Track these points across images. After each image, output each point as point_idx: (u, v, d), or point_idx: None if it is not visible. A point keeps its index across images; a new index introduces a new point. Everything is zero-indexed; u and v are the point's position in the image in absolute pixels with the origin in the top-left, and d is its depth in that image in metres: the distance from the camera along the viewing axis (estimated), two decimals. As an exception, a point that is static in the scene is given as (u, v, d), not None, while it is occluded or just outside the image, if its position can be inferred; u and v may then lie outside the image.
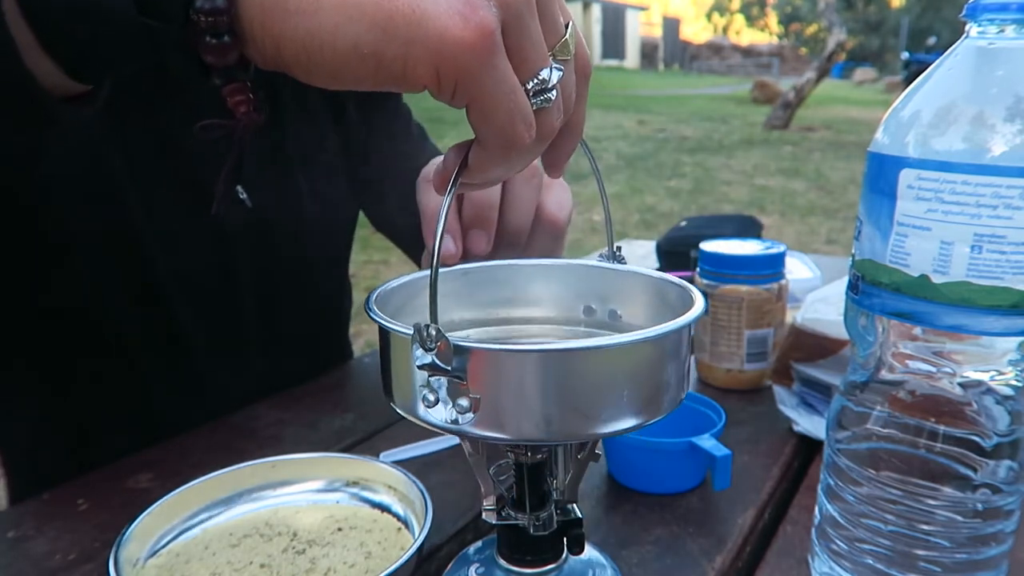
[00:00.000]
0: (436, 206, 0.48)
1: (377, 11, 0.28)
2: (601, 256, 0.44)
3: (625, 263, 0.43)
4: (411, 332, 0.30)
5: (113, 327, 0.66)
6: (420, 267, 0.59)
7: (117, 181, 0.62)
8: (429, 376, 0.31)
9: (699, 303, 0.35)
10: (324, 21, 0.29)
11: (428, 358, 0.29)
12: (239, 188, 0.68)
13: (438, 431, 0.33)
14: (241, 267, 0.70)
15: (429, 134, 0.87)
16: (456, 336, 0.30)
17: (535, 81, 0.31)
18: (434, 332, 0.29)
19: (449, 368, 0.29)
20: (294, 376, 0.76)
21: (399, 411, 0.35)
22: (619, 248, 0.43)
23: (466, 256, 0.47)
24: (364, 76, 0.30)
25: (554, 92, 0.32)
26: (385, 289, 0.39)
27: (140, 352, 0.68)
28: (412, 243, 0.85)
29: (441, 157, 0.46)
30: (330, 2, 0.29)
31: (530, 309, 0.42)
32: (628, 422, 0.32)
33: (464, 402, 0.30)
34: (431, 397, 0.31)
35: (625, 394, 0.32)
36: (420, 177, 0.53)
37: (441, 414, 0.31)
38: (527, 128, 0.31)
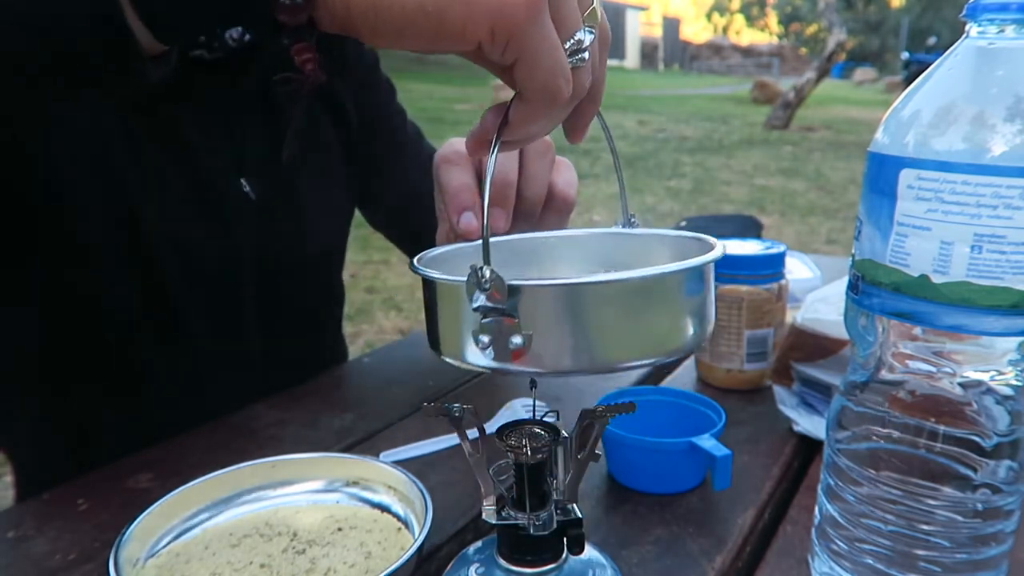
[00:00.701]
0: (458, 183, 0.50)
1: None
2: (619, 223, 0.45)
3: (638, 226, 0.45)
4: (463, 281, 0.32)
5: (118, 321, 0.66)
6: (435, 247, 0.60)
7: (123, 177, 0.62)
8: (483, 319, 0.32)
9: (719, 246, 0.37)
10: None
11: (483, 299, 0.31)
12: (243, 181, 0.69)
13: (488, 372, 0.35)
14: (245, 261, 0.70)
15: (428, 134, 0.87)
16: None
17: (572, 41, 0.35)
18: (488, 273, 0.31)
19: (504, 307, 0.31)
20: (292, 375, 0.76)
21: (449, 360, 0.36)
22: (633, 216, 0.45)
23: (492, 230, 0.48)
24: (426, 34, 0.33)
25: (587, 53, 0.35)
26: (425, 257, 0.42)
27: (143, 348, 0.68)
28: (410, 239, 0.87)
29: (454, 139, 0.51)
30: None
31: (547, 272, 0.44)
32: (661, 352, 0.34)
33: (517, 339, 0.32)
34: (485, 339, 0.32)
35: (662, 321, 0.34)
36: (438, 159, 0.53)
37: (493, 355, 0.32)
38: (566, 83, 0.34)
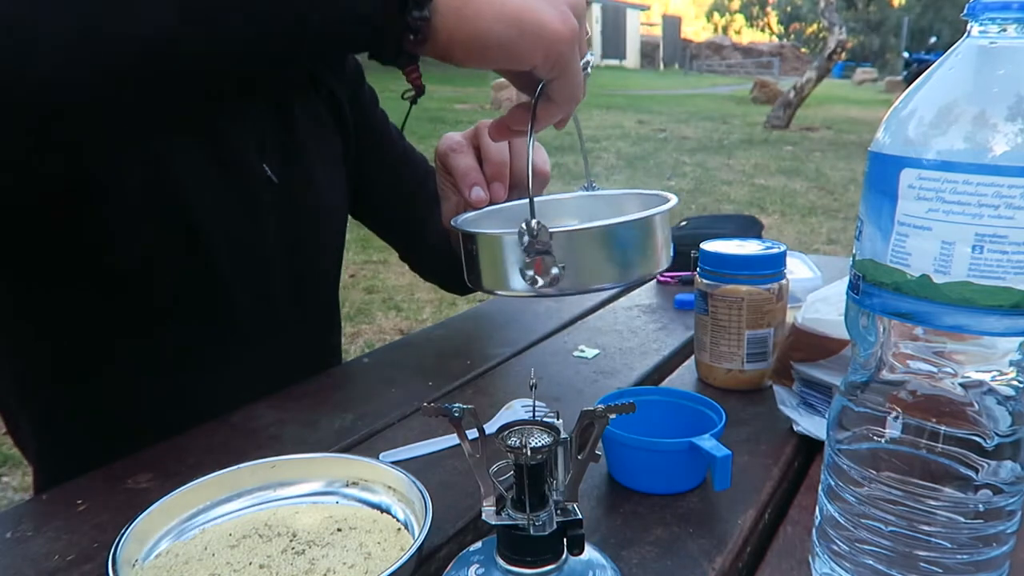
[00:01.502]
0: (465, 166, 0.65)
1: (514, 18, 0.43)
2: (583, 188, 0.62)
3: (597, 190, 0.62)
4: (509, 232, 0.46)
5: (160, 301, 0.69)
6: (437, 232, 0.74)
7: (165, 160, 0.64)
8: (529, 258, 0.44)
9: (673, 198, 0.53)
10: (482, 26, 0.44)
11: (536, 245, 0.43)
12: (265, 167, 0.72)
13: (532, 295, 0.47)
14: (270, 243, 0.74)
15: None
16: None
17: (584, 60, 0.48)
18: (537, 224, 0.43)
19: (548, 248, 0.44)
20: (314, 356, 0.81)
21: (491, 289, 0.49)
22: (593, 181, 0.62)
23: (491, 201, 0.65)
24: (502, 60, 0.45)
25: (590, 68, 0.49)
26: (459, 219, 0.56)
27: (187, 327, 0.71)
28: (403, 233, 0.93)
29: (450, 133, 0.69)
30: (486, 12, 0.44)
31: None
32: (644, 270, 0.49)
33: (555, 270, 0.44)
34: (530, 272, 0.45)
35: (643, 249, 0.48)
36: (444, 149, 0.68)
37: (539, 283, 0.45)
38: (583, 90, 0.48)
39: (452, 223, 0.53)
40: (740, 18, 50.72)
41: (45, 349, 0.70)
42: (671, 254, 0.50)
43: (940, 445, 0.37)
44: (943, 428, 0.37)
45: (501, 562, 0.42)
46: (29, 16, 0.42)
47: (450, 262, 0.70)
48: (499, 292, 0.48)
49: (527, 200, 0.58)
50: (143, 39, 0.43)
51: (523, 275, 0.45)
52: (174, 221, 0.66)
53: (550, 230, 0.44)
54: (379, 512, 0.49)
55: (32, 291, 0.68)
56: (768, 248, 0.69)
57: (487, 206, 0.64)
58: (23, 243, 0.65)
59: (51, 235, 0.64)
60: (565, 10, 0.45)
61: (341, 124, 0.82)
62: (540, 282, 0.44)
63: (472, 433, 0.41)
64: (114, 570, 0.41)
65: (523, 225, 0.44)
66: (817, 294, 0.63)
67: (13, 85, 0.42)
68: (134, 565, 0.44)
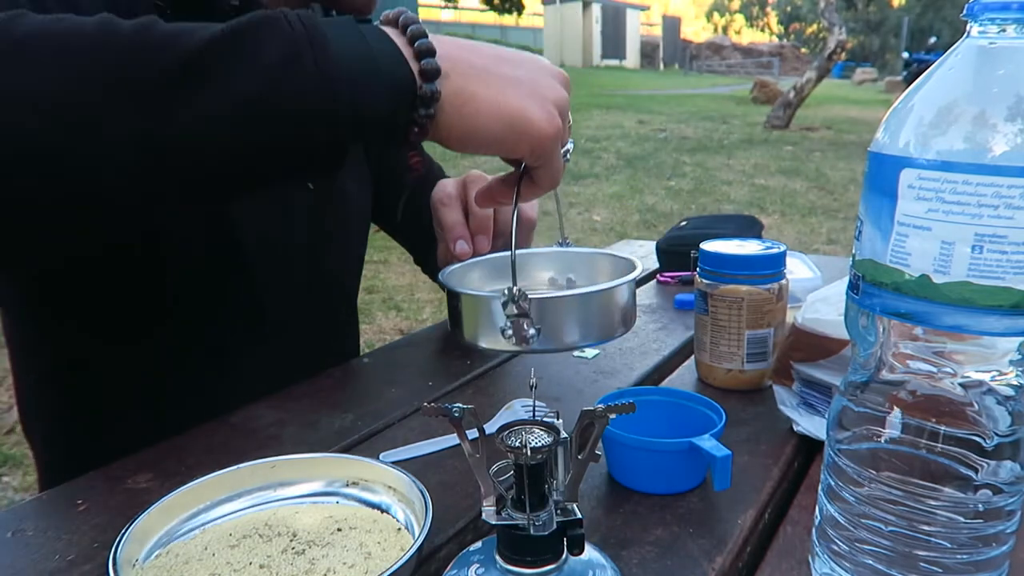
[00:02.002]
0: (451, 220, 0.71)
1: (506, 115, 0.47)
2: (559, 243, 0.65)
3: (572, 246, 0.65)
4: (489, 295, 0.49)
5: (189, 290, 0.71)
6: (437, 263, 0.78)
7: None
8: (509, 318, 0.48)
9: (639, 267, 0.56)
10: (478, 122, 0.47)
11: (513, 307, 0.47)
12: None
13: (508, 351, 0.51)
14: (298, 244, 0.77)
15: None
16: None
17: (564, 149, 0.53)
18: (519, 292, 0.47)
19: (527, 311, 0.47)
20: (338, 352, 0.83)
21: (471, 342, 0.52)
22: (567, 237, 0.65)
23: (475, 253, 0.71)
24: (493, 150, 0.49)
25: (569, 155, 0.55)
26: (445, 273, 0.59)
27: (225, 327, 0.73)
28: (418, 239, 0.97)
29: (444, 182, 0.74)
30: (484, 111, 0.47)
31: (522, 281, 0.61)
32: (611, 332, 0.52)
33: (532, 331, 0.48)
34: (509, 332, 0.48)
35: (607, 315, 0.52)
36: (435, 201, 0.73)
37: (515, 340, 0.48)
38: (561, 175, 0.52)
39: (439, 277, 0.57)
40: (740, 18, 50.73)
41: (72, 339, 0.72)
42: (635, 316, 0.55)
43: (940, 445, 0.37)
44: (943, 428, 0.37)
45: (501, 562, 0.42)
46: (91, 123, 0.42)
47: None
48: (480, 345, 0.52)
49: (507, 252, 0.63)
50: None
51: (503, 333, 0.48)
52: (219, 224, 0.69)
53: (529, 296, 0.47)
54: (379, 512, 0.49)
55: (60, 279, 0.69)
56: (768, 248, 0.69)
57: (472, 258, 0.68)
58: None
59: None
60: (551, 109, 0.48)
61: None
62: (517, 341, 0.48)
63: (472, 433, 0.41)
64: (114, 570, 0.41)
65: (505, 290, 0.47)
66: (817, 294, 0.63)
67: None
68: (134, 565, 0.44)
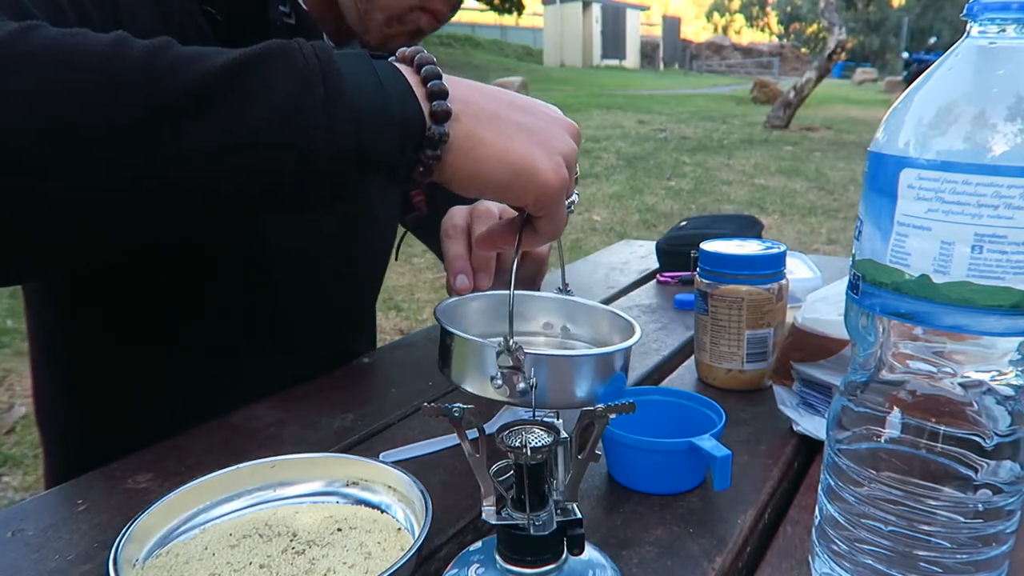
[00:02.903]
0: (454, 254, 0.70)
1: (514, 163, 0.46)
2: (558, 290, 0.65)
3: (572, 294, 0.65)
4: (492, 345, 0.48)
5: (215, 287, 0.73)
6: (449, 290, 0.76)
7: None
8: (503, 369, 0.47)
9: (638, 332, 0.56)
10: (485, 167, 0.46)
11: (509, 361, 0.47)
12: None
13: (500, 401, 0.49)
14: (323, 246, 0.79)
15: None
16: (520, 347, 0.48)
17: (570, 200, 0.52)
18: (515, 346, 0.47)
19: (520, 366, 0.47)
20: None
21: (456, 383, 0.52)
22: (568, 284, 0.65)
23: (475, 288, 0.69)
24: (494, 197, 0.49)
25: (573, 207, 0.54)
26: (439, 308, 0.59)
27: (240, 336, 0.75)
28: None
29: (456, 210, 0.72)
30: (491, 157, 0.46)
31: (516, 324, 0.62)
32: (602, 399, 0.51)
33: (522, 385, 0.47)
34: (499, 382, 0.48)
35: (608, 377, 0.52)
36: (442, 229, 0.71)
37: (506, 392, 0.48)
38: (564, 226, 0.51)
39: (435, 312, 0.57)
40: (740, 18, 50.72)
41: (95, 339, 0.73)
42: (626, 379, 0.55)
43: (940, 445, 0.37)
44: (943, 428, 0.37)
45: (501, 562, 0.42)
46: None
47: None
48: (466, 389, 0.51)
49: (505, 292, 0.62)
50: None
51: (492, 381, 0.48)
52: (245, 242, 0.71)
53: (526, 351, 0.47)
54: (379, 512, 0.49)
55: (88, 280, 0.70)
56: (768, 248, 0.69)
57: (471, 293, 0.68)
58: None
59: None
60: (559, 160, 0.48)
61: None
62: (506, 393, 0.48)
63: (472, 433, 0.41)
64: (114, 570, 0.41)
65: (501, 341, 0.47)
66: (817, 294, 0.63)
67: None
68: (134, 565, 0.44)
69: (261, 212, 0.47)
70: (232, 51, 0.42)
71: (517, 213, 0.52)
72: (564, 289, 0.65)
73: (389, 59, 0.47)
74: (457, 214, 0.73)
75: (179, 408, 0.69)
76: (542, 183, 0.47)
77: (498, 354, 0.47)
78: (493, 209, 0.70)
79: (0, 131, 0.38)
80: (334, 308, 0.84)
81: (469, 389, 0.51)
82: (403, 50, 0.47)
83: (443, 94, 0.45)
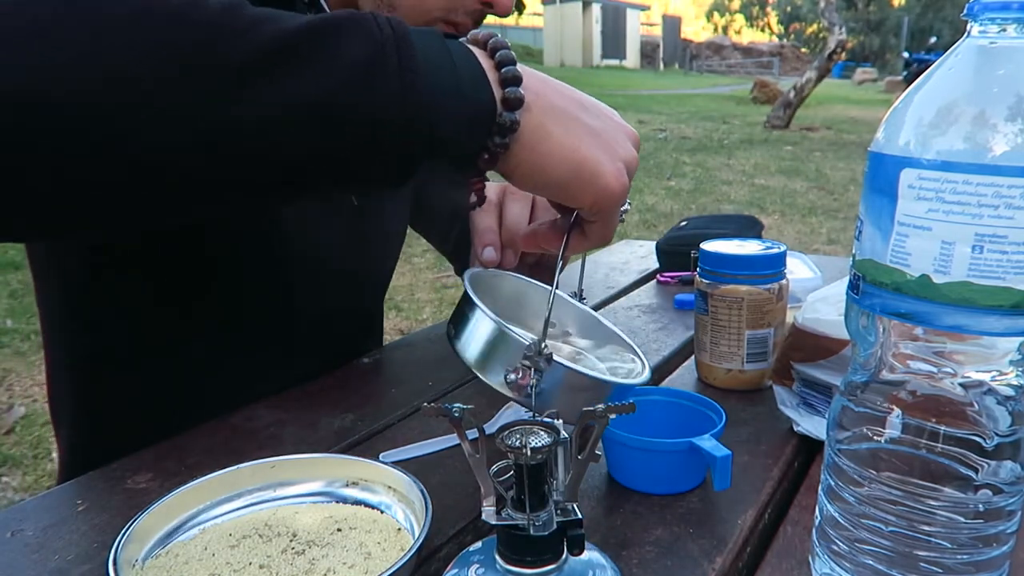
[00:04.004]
0: (484, 226, 0.69)
1: (578, 163, 0.46)
2: (572, 294, 0.65)
3: (585, 301, 0.65)
4: (521, 341, 0.47)
5: (230, 285, 0.73)
6: (472, 259, 0.76)
7: None
8: (521, 365, 0.47)
9: (646, 371, 0.56)
10: (549, 163, 0.46)
11: (530, 363, 0.47)
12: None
13: (505, 394, 0.49)
14: (336, 257, 0.80)
15: None
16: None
17: (623, 208, 0.51)
18: (544, 351, 0.46)
19: (540, 367, 0.46)
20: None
21: (465, 362, 0.51)
22: (582, 290, 0.65)
23: (501, 264, 0.69)
24: (551, 194, 0.49)
25: (625, 215, 0.54)
26: (467, 274, 0.57)
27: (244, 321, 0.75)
28: (456, 248, 0.99)
29: (490, 185, 0.70)
30: (557, 153, 0.45)
31: (523, 314, 0.62)
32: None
33: (534, 388, 0.47)
34: (513, 377, 0.47)
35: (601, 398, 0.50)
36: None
37: (514, 390, 0.48)
38: (613, 234, 0.51)
39: (464, 278, 0.55)
40: (740, 18, 50.72)
41: (111, 334, 0.73)
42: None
43: (940, 445, 0.37)
44: (943, 428, 0.37)
45: (501, 562, 0.42)
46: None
47: None
48: (468, 363, 0.50)
49: (529, 281, 0.64)
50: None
51: (505, 376, 0.48)
52: (261, 218, 0.71)
53: (553, 359, 0.47)
54: (379, 512, 0.49)
55: (109, 272, 0.71)
56: (768, 248, 0.69)
57: (497, 268, 0.67)
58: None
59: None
60: (621, 167, 0.47)
61: None
62: (515, 388, 0.47)
63: (472, 433, 0.41)
64: (114, 570, 0.41)
65: (534, 343, 0.46)
66: (817, 294, 0.63)
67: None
68: (134, 565, 0.44)
69: (322, 186, 0.44)
70: (304, 16, 0.40)
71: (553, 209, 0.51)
72: (579, 295, 0.65)
73: (461, 40, 0.45)
74: (488, 189, 0.71)
75: (180, 408, 0.69)
76: (602, 187, 0.46)
77: (526, 355, 0.47)
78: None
79: (77, 91, 0.36)
80: (344, 308, 0.84)
81: (473, 368, 0.50)
82: (475, 32, 0.46)
83: (517, 81, 0.44)
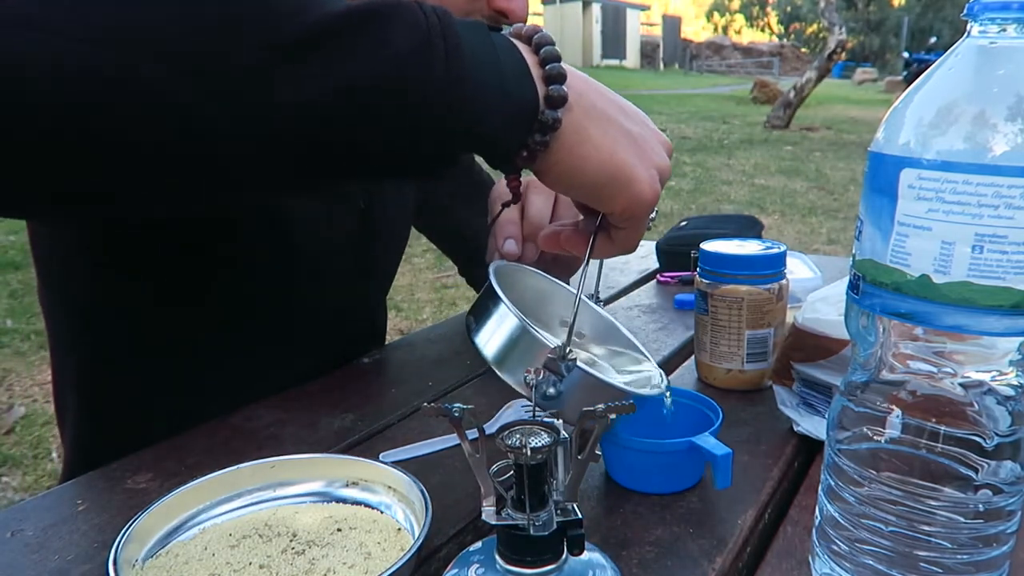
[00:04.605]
0: (504, 218, 0.68)
1: (613, 166, 0.45)
2: (589, 295, 0.64)
3: (602, 304, 0.65)
4: (546, 343, 0.47)
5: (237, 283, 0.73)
6: (490, 253, 0.75)
7: None
8: (546, 371, 0.47)
9: (664, 383, 0.55)
10: (584, 166, 0.45)
11: (552, 367, 0.46)
12: (358, 194, 0.81)
13: (522, 395, 0.48)
14: (341, 257, 0.80)
15: None
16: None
17: (652, 216, 0.51)
18: (570, 356, 0.46)
19: (562, 372, 0.46)
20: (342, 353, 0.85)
21: (482, 355, 0.49)
22: (599, 292, 0.67)
23: (521, 258, 0.67)
24: (582, 196, 0.48)
25: (652, 223, 0.53)
26: (494, 267, 0.55)
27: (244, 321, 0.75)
28: (461, 250, 1.01)
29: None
30: (593, 157, 0.45)
31: (543, 317, 0.62)
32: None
33: (552, 390, 0.46)
34: (532, 378, 0.47)
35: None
36: (493, 196, 0.72)
37: (530, 389, 0.47)
38: (639, 241, 0.51)
39: (490, 270, 0.54)
40: (740, 18, 50.73)
41: (120, 328, 0.73)
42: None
43: (940, 445, 0.37)
44: (943, 428, 0.37)
45: (501, 562, 0.42)
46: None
47: None
48: (484, 355, 0.49)
49: (550, 280, 0.64)
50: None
51: (525, 377, 0.47)
52: (267, 217, 0.72)
53: (577, 365, 0.46)
54: (379, 512, 0.49)
55: (111, 272, 0.71)
56: (768, 248, 0.69)
57: (516, 261, 0.66)
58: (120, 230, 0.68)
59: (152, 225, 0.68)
60: (654, 175, 0.47)
61: None
62: (530, 390, 0.47)
63: (472, 433, 0.41)
64: (114, 570, 0.41)
65: (559, 347, 0.46)
66: (817, 294, 0.63)
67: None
68: (134, 565, 0.44)
69: (359, 174, 0.44)
70: (347, 2, 0.39)
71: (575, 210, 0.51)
72: (595, 296, 0.65)
73: (503, 32, 0.45)
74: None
75: (181, 408, 0.69)
76: (635, 193, 0.46)
77: (549, 359, 0.46)
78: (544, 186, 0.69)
79: (124, 66, 0.36)
80: (346, 309, 0.84)
81: (491, 363, 0.49)
82: (519, 26, 0.46)
83: (561, 78, 0.43)
